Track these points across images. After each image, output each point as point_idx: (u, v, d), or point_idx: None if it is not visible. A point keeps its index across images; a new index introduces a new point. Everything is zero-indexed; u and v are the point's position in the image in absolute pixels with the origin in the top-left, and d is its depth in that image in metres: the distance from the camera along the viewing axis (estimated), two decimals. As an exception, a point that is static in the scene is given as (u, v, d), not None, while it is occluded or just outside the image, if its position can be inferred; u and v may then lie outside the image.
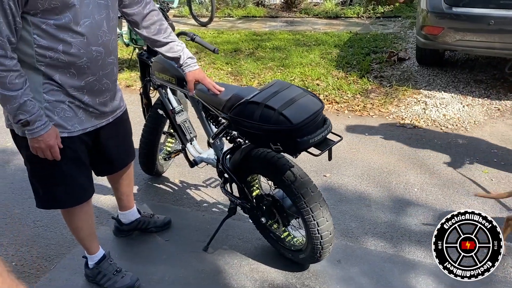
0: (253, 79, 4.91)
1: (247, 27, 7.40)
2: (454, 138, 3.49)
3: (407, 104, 4.09)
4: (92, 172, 2.02)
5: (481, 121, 3.73)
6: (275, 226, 2.26)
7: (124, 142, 2.09)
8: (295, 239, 2.26)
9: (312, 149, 1.70)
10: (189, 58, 2.04)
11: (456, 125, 3.68)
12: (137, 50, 5.61)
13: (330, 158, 1.73)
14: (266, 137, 1.70)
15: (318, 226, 1.93)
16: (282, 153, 1.83)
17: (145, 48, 2.69)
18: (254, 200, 2.19)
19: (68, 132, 1.76)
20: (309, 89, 4.49)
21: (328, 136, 1.73)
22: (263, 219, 2.19)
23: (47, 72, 1.63)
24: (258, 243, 2.42)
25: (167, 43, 1.99)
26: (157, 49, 2.03)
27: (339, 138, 1.78)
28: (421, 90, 4.36)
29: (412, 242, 2.38)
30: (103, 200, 2.86)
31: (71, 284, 2.20)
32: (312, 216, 1.92)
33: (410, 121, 3.80)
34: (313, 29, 6.93)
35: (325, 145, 1.71)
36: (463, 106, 3.97)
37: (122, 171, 2.21)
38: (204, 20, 7.54)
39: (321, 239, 1.96)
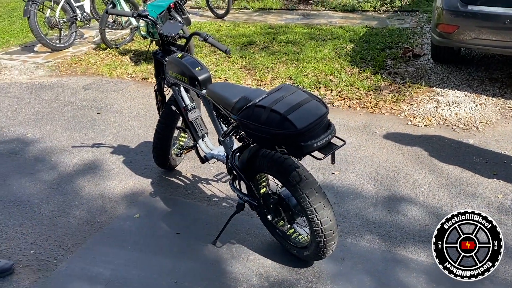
0: (267, 74, 4.95)
1: (263, 19, 7.42)
2: (465, 137, 3.49)
3: (419, 102, 4.09)
4: None
5: (494, 121, 3.72)
6: (281, 223, 2.33)
7: None
8: (300, 236, 2.34)
9: (316, 153, 1.76)
10: None
11: (468, 125, 3.68)
12: (154, 43, 5.71)
13: (333, 161, 1.79)
14: (272, 140, 1.77)
15: (322, 226, 2.00)
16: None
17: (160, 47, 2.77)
18: (261, 197, 2.27)
19: None
20: (322, 85, 4.54)
21: (332, 140, 1.79)
22: (269, 217, 2.26)
23: None
24: (265, 238, 2.50)
25: None
26: None
27: (343, 142, 1.84)
28: (435, 87, 4.35)
29: (416, 242, 2.43)
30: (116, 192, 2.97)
31: (87, 272, 2.32)
32: (316, 215, 1.98)
33: (422, 120, 3.81)
34: (329, 22, 6.91)
35: (328, 149, 1.77)
36: (476, 105, 3.96)
37: None
38: (221, 12, 7.58)
39: (324, 238, 2.03)
